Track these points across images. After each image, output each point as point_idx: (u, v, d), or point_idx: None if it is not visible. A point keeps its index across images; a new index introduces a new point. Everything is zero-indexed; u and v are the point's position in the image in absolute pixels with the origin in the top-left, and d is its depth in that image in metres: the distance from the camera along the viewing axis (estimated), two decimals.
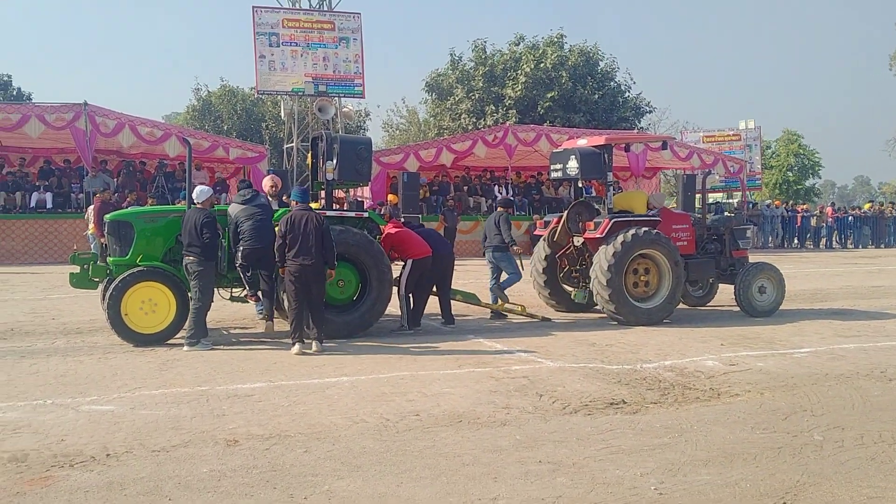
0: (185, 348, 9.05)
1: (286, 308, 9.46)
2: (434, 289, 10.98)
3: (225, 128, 42.89)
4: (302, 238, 8.91)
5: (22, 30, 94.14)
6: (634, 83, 39.61)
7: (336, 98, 29.51)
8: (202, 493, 4.63)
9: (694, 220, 12.39)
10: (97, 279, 10.06)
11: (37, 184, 22.62)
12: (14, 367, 8.01)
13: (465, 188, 26.95)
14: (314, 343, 9.06)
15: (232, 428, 5.94)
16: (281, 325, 10.37)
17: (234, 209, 9.78)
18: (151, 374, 7.81)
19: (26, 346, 9.23)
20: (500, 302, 12.03)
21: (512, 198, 21.68)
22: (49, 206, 22.04)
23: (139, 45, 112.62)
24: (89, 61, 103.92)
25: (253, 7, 28.46)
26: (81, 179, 22.59)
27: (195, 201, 9.56)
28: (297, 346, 8.94)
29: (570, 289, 12.40)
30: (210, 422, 6.10)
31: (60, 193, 22.55)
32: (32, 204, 21.88)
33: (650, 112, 41.23)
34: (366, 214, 10.47)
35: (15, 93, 42.53)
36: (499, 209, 12.52)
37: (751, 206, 33.24)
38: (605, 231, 11.13)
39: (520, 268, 12.21)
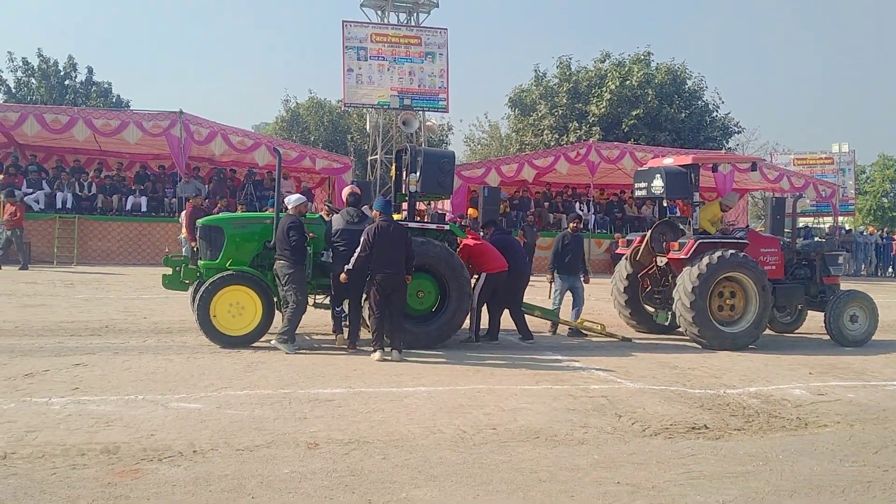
0: (273, 341, 9.31)
1: (367, 317, 9.63)
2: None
3: (312, 139, 43.87)
4: (389, 248, 9.11)
5: (122, 39, 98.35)
6: (723, 102, 38.86)
7: (420, 112, 29.86)
8: (283, 493, 4.75)
9: (783, 243, 12.05)
10: (188, 281, 10.42)
11: (133, 188, 23.55)
12: (108, 363, 8.35)
13: (546, 204, 26.83)
14: (394, 351, 9.19)
15: (313, 431, 6.06)
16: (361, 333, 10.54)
17: (336, 223, 9.85)
18: (237, 375, 8.04)
19: (120, 343, 9.62)
20: (579, 320, 11.92)
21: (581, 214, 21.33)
22: (144, 209, 22.92)
23: (232, 57, 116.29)
24: (184, 71, 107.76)
25: (343, 21, 29.16)
26: (175, 185, 23.45)
27: (287, 207, 9.83)
28: (377, 354, 9.11)
29: (651, 309, 12.21)
30: (292, 424, 6.24)
31: (155, 198, 23.42)
32: (128, 207, 22.79)
33: (739, 132, 40.23)
34: (447, 227, 10.56)
35: (114, 100, 44.36)
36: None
37: (844, 231, 32.08)
38: (691, 252, 10.93)
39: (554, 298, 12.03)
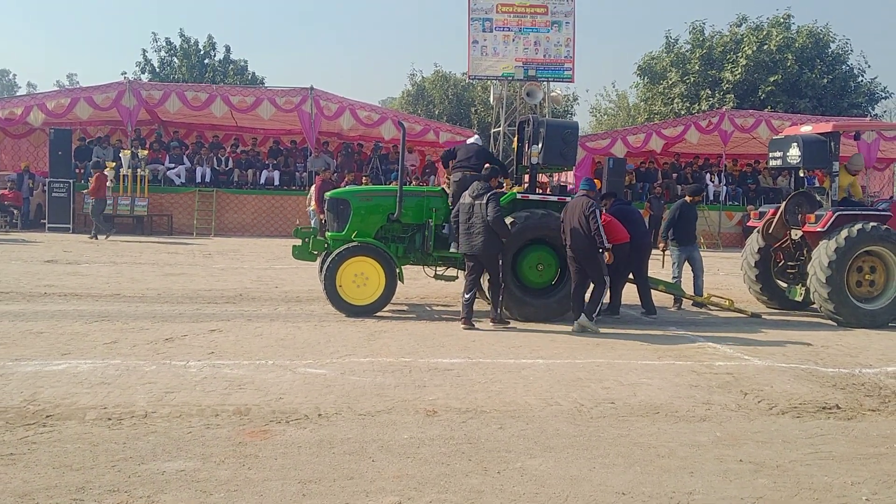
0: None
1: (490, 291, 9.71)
2: (632, 276, 10.76)
3: (436, 112, 44.18)
4: (572, 224, 9.33)
5: (257, 18, 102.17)
6: (869, 66, 36.59)
7: (545, 82, 29.50)
8: (402, 457, 4.89)
9: None
10: (316, 252, 10.80)
11: (266, 162, 24.55)
12: (241, 329, 8.80)
13: (675, 175, 26.01)
14: (584, 316, 9.31)
15: (432, 399, 6.19)
16: (478, 304, 10.65)
17: (464, 199, 9.70)
18: (360, 343, 8.30)
19: (252, 310, 10.10)
20: (706, 294, 11.56)
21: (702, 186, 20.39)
22: (276, 183, 23.87)
23: (361, 32, 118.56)
24: (315, 48, 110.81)
25: None
26: (305, 159, 24.27)
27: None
28: (581, 320, 9.29)
29: (784, 285, 11.69)
30: (412, 391, 6.40)
31: (286, 172, 24.34)
32: (262, 181, 23.80)
33: (886, 98, 37.56)
34: (569, 198, 10.43)
35: (250, 77, 46.09)
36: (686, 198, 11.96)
37: None
38: (828, 225, 10.38)
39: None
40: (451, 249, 10.22)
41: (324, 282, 9.83)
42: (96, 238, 19.20)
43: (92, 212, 19.72)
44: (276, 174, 23.98)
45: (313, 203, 18.72)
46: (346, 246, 9.93)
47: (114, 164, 21.79)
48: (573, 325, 9.36)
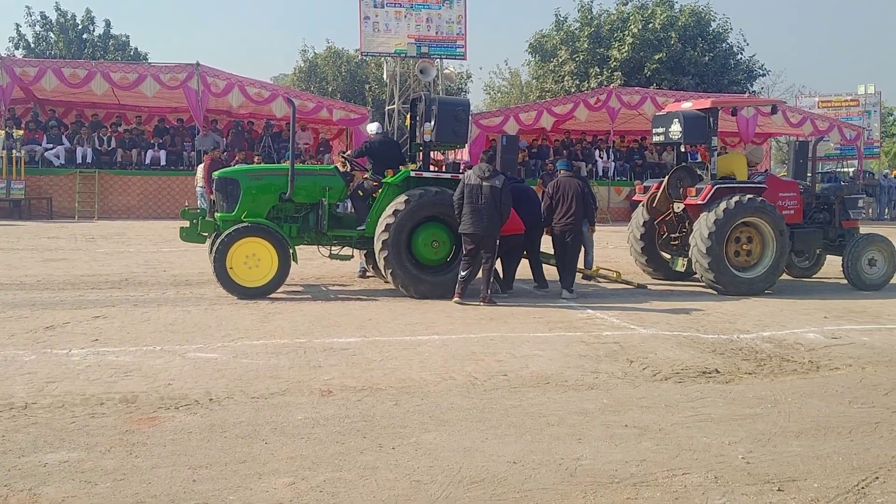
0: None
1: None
2: (525, 252, 10.98)
3: (330, 89, 43.61)
4: (566, 202, 10.56)
5: None
6: (748, 45, 38.10)
7: (438, 60, 29.55)
8: (296, 438, 4.86)
9: (802, 188, 11.90)
10: (205, 234, 10.53)
11: (151, 141, 23.67)
12: (127, 315, 8.51)
13: (566, 152, 26.61)
14: (565, 291, 10.45)
15: (327, 379, 6.17)
16: (376, 283, 10.65)
17: (467, 179, 9.68)
18: (253, 325, 8.16)
19: (139, 295, 9.77)
20: (594, 267, 11.93)
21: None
22: (163, 163, 23.07)
23: (250, 6, 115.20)
24: (201, 22, 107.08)
25: None
26: (193, 138, 23.53)
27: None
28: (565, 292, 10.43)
29: (668, 256, 12.17)
30: (307, 372, 6.36)
31: (173, 151, 23.55)
32: (147, 161, 22.96)
33: (764, 76, 39.44)
34: (462, 176, 10.50)
35: (132, 52, 44.26)
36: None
37: (868, 175, 31.54)
38: (707, 197, 10.84)
39: None
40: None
41: (214, 264, 9.60)
42: None
43: None
44: (163, 154, 23.19)
45: (201, 182, 18.21)
46: (236, 227, 9.71)
47: None
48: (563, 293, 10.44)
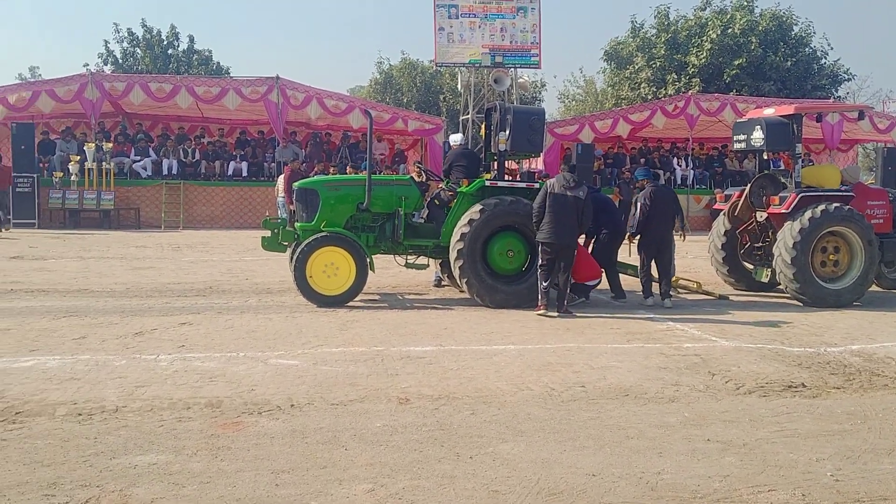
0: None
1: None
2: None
3: (405, 100, 44.07)
4: (667, 212, 10.51)
5: (220, 7, 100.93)
6: (832, 49, 36.72)
7: (512, 69, 29.53)
8: (375, 445, 4.91)
9: (892, 196, 11.44)
10: (286, 243, 10.76)
11: (233, 153, 24.34)
12: (212, 322, 8.76)
13: (643, 160, 26.21)
14: (666, 299, 10.48)
15: (404, 387, 6.22)
16: (451, 292, 10.68)
17: (550, 188, 9.60)
18: (332, 333, 8.30)
19: (223, 303, 10.05)
20: (674, 277, 11.70)
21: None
22: (244, 174, 23.69)
23: (327, 20, 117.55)
24: (281, 37, 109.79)
25: None
26: (273, 149, 24.10)
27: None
28: (650, 300, 10.45)
29: (750, 266, 11.86)
30: (384, 380, 6.42)
31: (254, 163, 24.17)
32: (229, 172, 23.61)
33: (849, 80, 38.03)
34: (537, 185, 10.49)
35: (215, 67, 45.57)
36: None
37: None
38: (792, 206, 10.53)
39: None
40: (538, 237, 9.92)
41: (294, 272, 9.81)
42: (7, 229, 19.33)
43: None
44: (244, 165, 23.82)
45: (282, 193, 18.63)
46: (315, 236, 9.90)
47: (78, 157, 21.50)
48: (665, 303, 10.41)
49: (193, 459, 4.61)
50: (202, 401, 5.75)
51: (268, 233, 10.93)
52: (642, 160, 26.06)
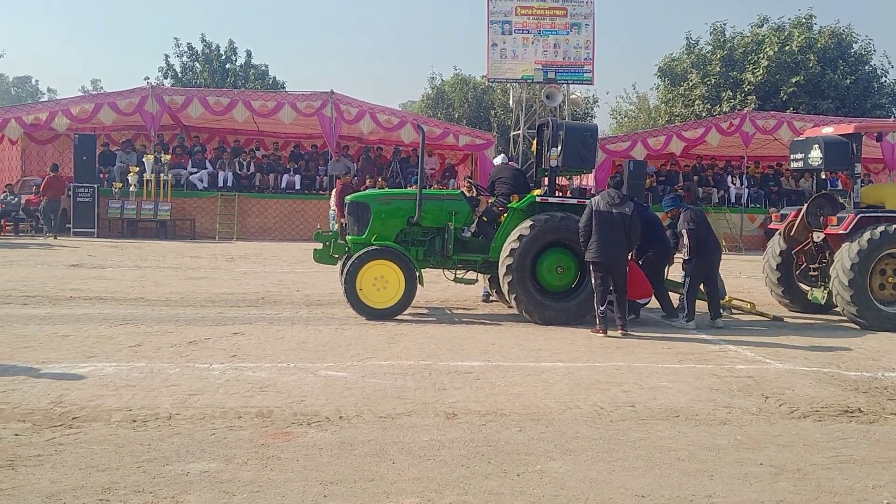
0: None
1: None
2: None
3: (456, 115, 44.28)
4: (711, 234, 10.45)
5: (277, 23, 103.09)
6: (893, 67, 36.02)
7: (564, 85, 29.48)
8: (422, 459, 4.93)
9: None
10: (337, 256, 10.88)
11: (287, 166, 24.71)
12: (264, 332, 8.88)
13: (696, 178, 25.88)
14: (719, 319, 10.34)
15: (452, 402, 6.23)
16: (499, 307, 10.65)
17: (595, 205, 9.53)
18: (381, 346, 8.35)
19: (274, 313, 10.19)
20: (727, 297, 11.50)
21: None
22: (297, 187, 24.02)
23: (381, 36, 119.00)
24: (336, 52, 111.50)
25: None
26: (326, 163, 24.40)
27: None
28: (692, 323, 10.13)
29: (806, 288, 11.60)
30: (432, 394, 6.44)
31: (307, 176, 24.49)
32: (283, 185, 23.96)
33: None
34: (588, 201, 10.42)
35: (271, 81, 46.33)
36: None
37: None
38: (850, 227, 10.30)
39: None
40: (587, 256, 9.72)
41: (344, 285, 9.90)
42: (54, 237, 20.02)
43: (41, 210, 20.74)
44: (297, 178, 24.14)
45: (333, 206, 18.82)
46: (366, 249, 9.99)
47: (137, 168, 22.05)
48: (716, 322, 10.26)
49: (244, 468, 4.68)
50: (253, 410, 5.83)
51: (319, 245, 11.06)
52: (696, 178, 25.74)
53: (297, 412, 5.83)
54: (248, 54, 45.51)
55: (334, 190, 19.18)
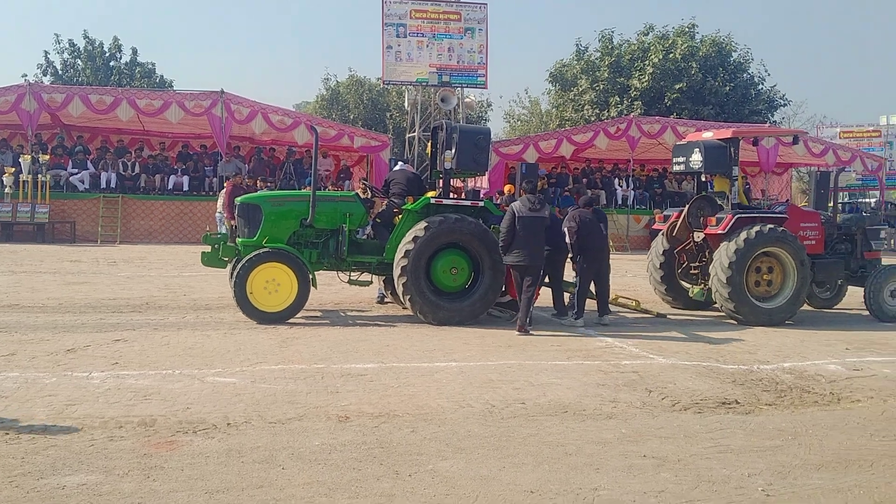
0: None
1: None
2: (546, 280, 10.95)
3: (351, 117, 44.02)
4: (598, 233, 10.55)
5: (166, 20, 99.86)
6: (769, 75, 37.98)
7: (459, 88, 29.76)
8: (313, 464, 4.85)
9: (824, 218, 11.82)
10: (226, 259, 10.61)
11: (175, 167, 23.94)
12: (147, 339, 8.56)
13: (585, 180, 26.62)
14: (606, 316, 10.62)
15: (344, 405, 6.17)
16: (394, 309, 10.64)
17: (518, 211, 9.70)
18: (272, 350, 8.19)
19: (159, 319, 9.84)
20: (614, 295, 11.85)
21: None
22: (185, 188, 23.31)
23: (274, 36, 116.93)
24: (226, 51, 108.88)
25: None
26: (216, 164, 23.77)
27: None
28: (581, 321, 10.36)
29: (687, 285, 12.09)
30: (324, 398, 6.36)
31: (196, 177, 23.80)
32: (170, 186, 23.20)
33: (785, 105, 39.36)
34: (481, 203, 10.56)
35: (158, 80, 44.87)
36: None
37: (889, 206, 31.27)
38: (728, 227, 10.79)
39: None
40: (508, 259, 9.96)
41: (234, 289, 9.66)
42: None
43: None
44: (186, 179, 23.43)
45: (220, 209, 18.37)
46: (257, 252, 9.78)
47: (13, 169, 20.91)
48: (603, 319, 10.57)
49: (125, 480, 4.49)
50: (135, 419, 5.62)
51: (208, 248, 10.76)
52: (584, 180, 26.46)
53: (182, 420, 5.64)
54: (134, 52, 43.99)
55: (223, 191, 18.72)
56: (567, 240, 10.34)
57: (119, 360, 7.47)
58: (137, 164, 23.54)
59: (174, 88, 36.83)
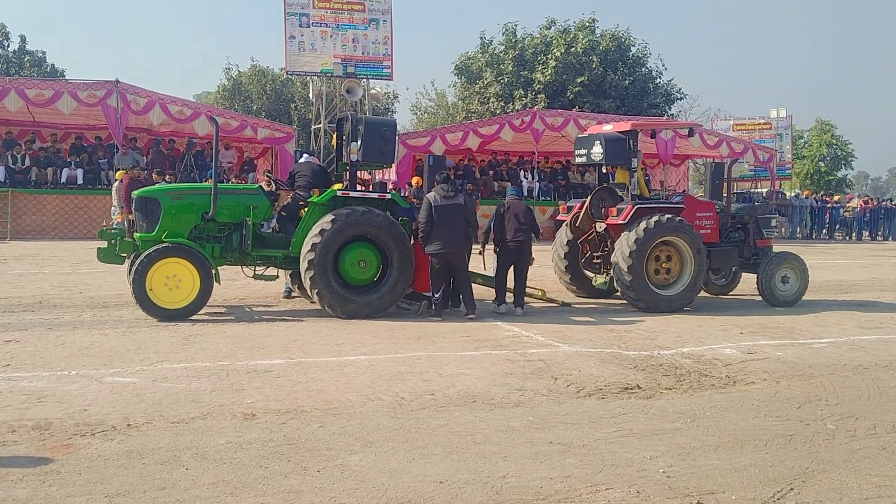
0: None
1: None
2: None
3: (254, 108, 43.12)
4: (514, 221, 10.73)
5: (57, 6, 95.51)
6: (666, 69, 39.19)
7: (364, 80, 29.54)
8: (218, 463, 4.75)
9: (718, 208, 12.30)
10: (124, 254, 10.25)
11: (68, 160, 22.92)
12: (41, 339, 8.19)
13: (491, 172, 26.92)
14: (519, 308, 10.73)
15: (250, 402, 6.06)
16: (302, 303, 10.51)
17: (433, 201, 10.04)
18: (174, 348, 7.96)
19: (54, 318, 9.43)
20: None
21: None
22: (79, 182, 22.34)
23: (173, 23, 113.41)
24: (122, 40, 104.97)
25: None
26: (112, 156, 22.88)
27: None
28: (503, 307, 10.71)
29: (591, 274, 12.39)
30: (229, 396, 6.23)
31: (91, 170, 22.85)
32: (63, 180, 22.18)
33: (681, 99, 40.72)
34: (389, 196, 10.53)
35: (49, 69, 42.87)
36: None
37: (780, 195, 32.82)
38: (628, 217, 11.10)
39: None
40: (429, 249, 10.10)
41: (133, 285, 9.34)
42: None
43: None
44: (80, 172, 22.44)
45: (115, 202, 17.70)
46: (156, 247, 9.47)
47: None
48: (517, 310, 10.69)
49: (19, 486, 4.30)
50: (29, 423, 5.37)
51: (104, 244, 10.37)
52: (491, 172, 26.74)
53: (79, 422, 5.43)
54: (23, 39, 41.89)
55: (118, 184, 18.03)
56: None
57: (11, 361, 7.12)
58: (28, 156, 22.42)
59: (66, 78, 35.23)
